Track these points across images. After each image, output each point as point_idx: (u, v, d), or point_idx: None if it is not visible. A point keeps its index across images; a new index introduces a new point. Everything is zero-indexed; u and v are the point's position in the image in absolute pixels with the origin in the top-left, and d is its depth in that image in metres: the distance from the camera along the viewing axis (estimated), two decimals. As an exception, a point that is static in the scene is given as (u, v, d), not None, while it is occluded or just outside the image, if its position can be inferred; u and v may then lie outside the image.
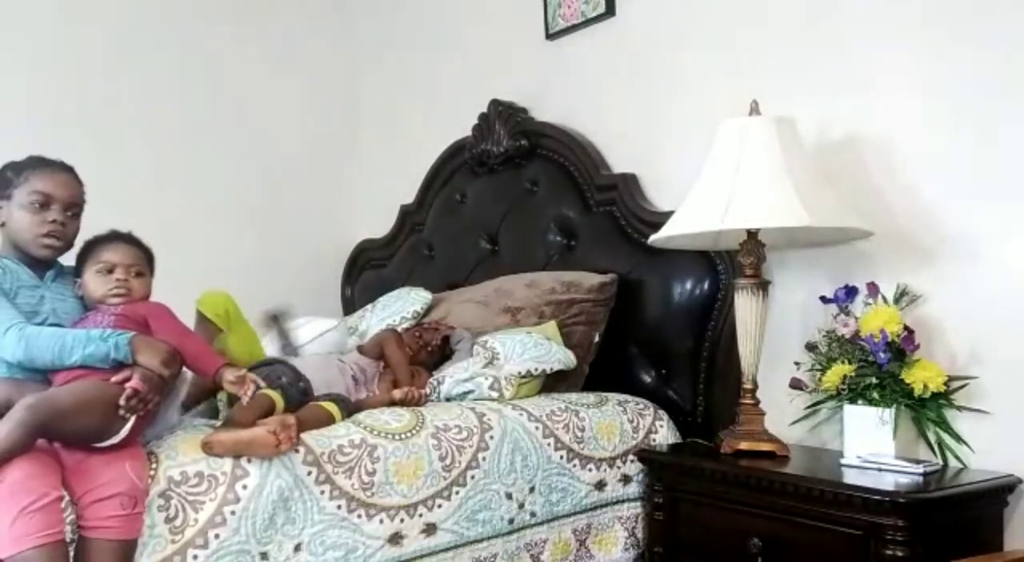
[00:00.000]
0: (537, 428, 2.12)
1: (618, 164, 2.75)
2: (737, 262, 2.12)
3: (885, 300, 2.01)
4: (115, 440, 1.56)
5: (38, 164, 1.81)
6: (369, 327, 2.80)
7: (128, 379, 1.58)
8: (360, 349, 2.39)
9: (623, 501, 2.23)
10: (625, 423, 2.26)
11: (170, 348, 1.67)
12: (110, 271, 1.80)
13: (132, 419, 1.57)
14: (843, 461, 1.93)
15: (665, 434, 2.31)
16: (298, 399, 1.93)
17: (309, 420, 1.84)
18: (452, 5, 3.44)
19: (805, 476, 1.84)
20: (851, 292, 2.06)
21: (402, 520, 1.86)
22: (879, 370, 1.92)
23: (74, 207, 1.83)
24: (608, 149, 2.80)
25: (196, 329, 2.04)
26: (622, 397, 2.35)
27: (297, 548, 1.71)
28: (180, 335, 1.76)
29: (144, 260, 1.86)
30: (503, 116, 3.01)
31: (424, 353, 2.44)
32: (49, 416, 1.48)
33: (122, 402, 1.54)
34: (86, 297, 1.81)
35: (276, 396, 1.85)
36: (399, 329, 2.57)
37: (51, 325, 1.72)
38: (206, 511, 1.61)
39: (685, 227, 2.06)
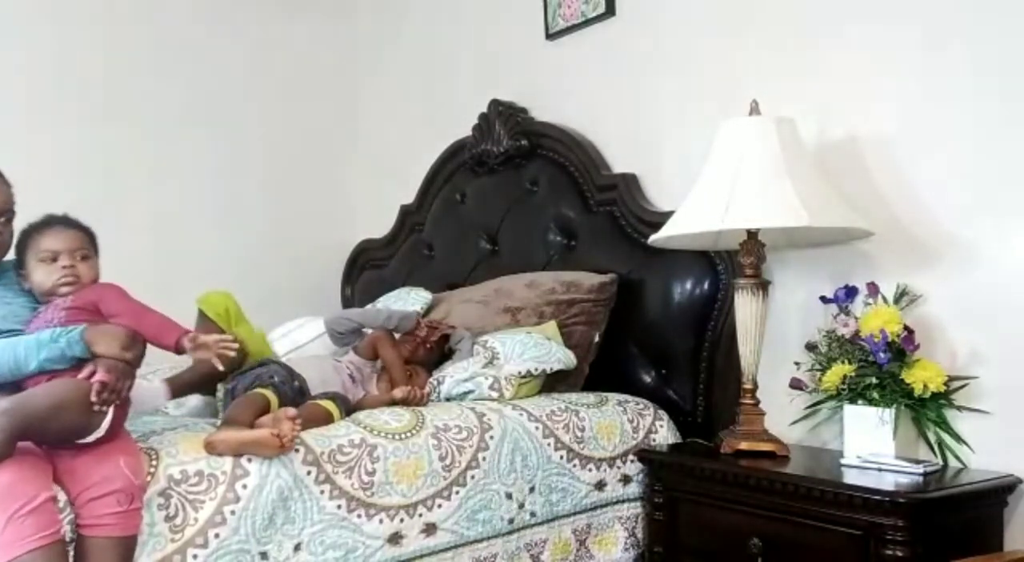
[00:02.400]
0: (537, 428, 2.11)
1: (618, 164, 2.75)
2: (737, 262, 2.12)
3: (885, 300, 2.01)
4: (99, 434, 1.53)
5: None
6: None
7: (93, 373, 1.54)
8: (355, 349, 2.38)
9: (623, 501, 2.23)
10: (625, 423, 2.26)
11: (127, 330, 1.61)
12: (54, 259, 1.72)
13: (110, 411, 1.54)
14: (843, 461, 1.93)
15: (665, 434, 2.31)
16: (292, 397, 1.92)
17: (307, 419, 1.83)
18: (452, 5, 3.44)
19: (805, 476, 1.84)
20: (851, 292, 2.06)
21: (402, 520, 1.85)
22: (879, 370, 1.92)
23: (7, 213, 1.75)
24: (608, 149, 2.80)
25: (198, 328, 2.01)
26: (622, 397, 2.35)
27: (297, 548, 1.71)
28: (135, 313, 1.67)
29: (87, 241, 1.78)
30: (503, 116, 3.01)
31: (422, 350, 2.42)
32: (25, 419, 1.45)
33: (94, 398, 1.50)
34: (34, 289, 1.74)
35: (270, 394, 1.85)
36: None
37: (2, 332, 1.65)
38: (206, 510, 1.61)
39: (685, 227, 2.06)
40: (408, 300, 2.88)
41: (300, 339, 2.62)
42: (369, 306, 3.05)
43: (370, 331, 2.46)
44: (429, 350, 2.44)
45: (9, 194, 1.76)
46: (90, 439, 1.54)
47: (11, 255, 1.79)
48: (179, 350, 1.65)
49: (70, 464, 1.52)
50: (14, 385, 1.59)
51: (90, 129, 3.17)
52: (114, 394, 1.54)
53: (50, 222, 1.77)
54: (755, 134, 2.02)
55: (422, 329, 2.45)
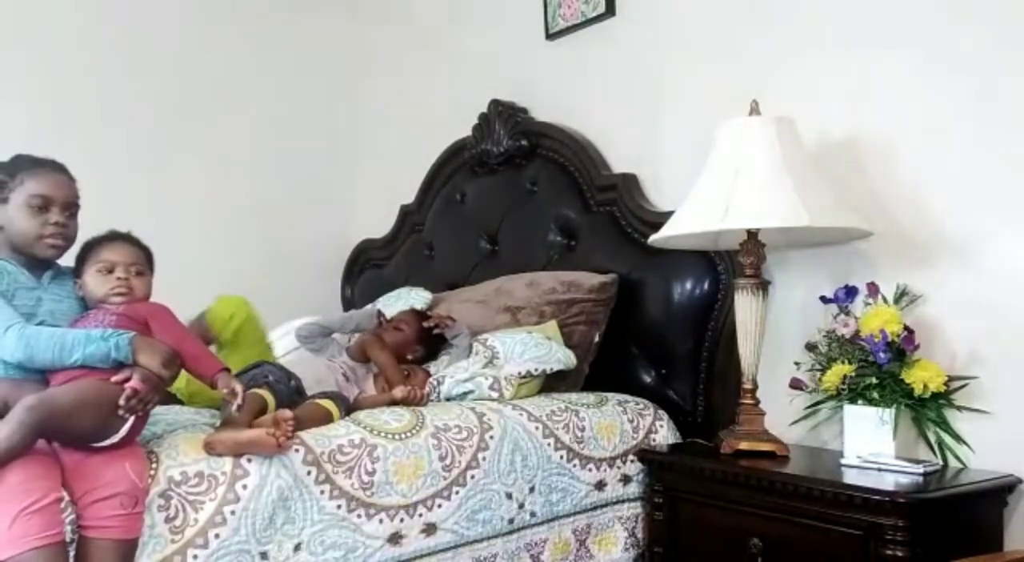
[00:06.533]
0: (537, 428, 2.12)
1: (618, 164, 2.75)
2: (737, 262, 2.12)
3: (885, 300, 2.01)
4: (114, 440, 1.56)
5: (32, 165, 1.79)
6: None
7: (128, 379, 1.57)
8: (347, 351, 2.37)
9: (623, 501, 2.23)
10: (625, 423, 2.26)
11: (170, 350, 1.67)
12: (111, 270, 1.79)
13: (131, 419, 1.57)
14: (843, 461, 1.93)
15: (665, 434, 2.31)
16: (289, 396, 1.93)
17: (307, 418, 1.84)
18: (452, 5, 3.44)
19: (805, 476, 1.84)
20: (851, 292, 2.06)
21: (402, 520, 1.86)
22: (879, 370, 1.92)
23: (72, 207, 1.82)
24: (608, 149, 2.79)
25: (192, 324, 2.07)
26: (622, 397, 2.35)
27: (297, 548, 1.71)
28: (180, 337, 1.75)
29: (144, 259, 1.86)
30: (503, 116, 3.01)
31: (394, 334, 2.39)
32: (49, 416, 1.47)
33: (122, 402, 1.54)
34: (87, 297, 1.80)
35: (267, 395, 1.85)
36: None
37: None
38: (206, 511, 1.61)
39: (685, 227, 2.06)
40: (408, 300, 2.89)
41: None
42: (368, 306, 3.05)
43: (338, 336, 2.46)
44: (402, 332, 2.41)
45: (74, 188, 1.83)
46: (106, 443, 1.55)
47: (69, 261, 1.84)
48: (213, 385, 1.74)
49: (78, 465, 1.53)
50: (42, 381, 1.62)
51: (88, 128, 3.16)
52: (141, 404, 1.57)
53: (113, 237, 1.85)
54: (755, 134, 2.02)
55: (387, 323, 2.45)
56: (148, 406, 1.60)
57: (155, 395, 1.61)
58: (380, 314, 2.53)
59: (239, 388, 1.72)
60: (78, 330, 1.66)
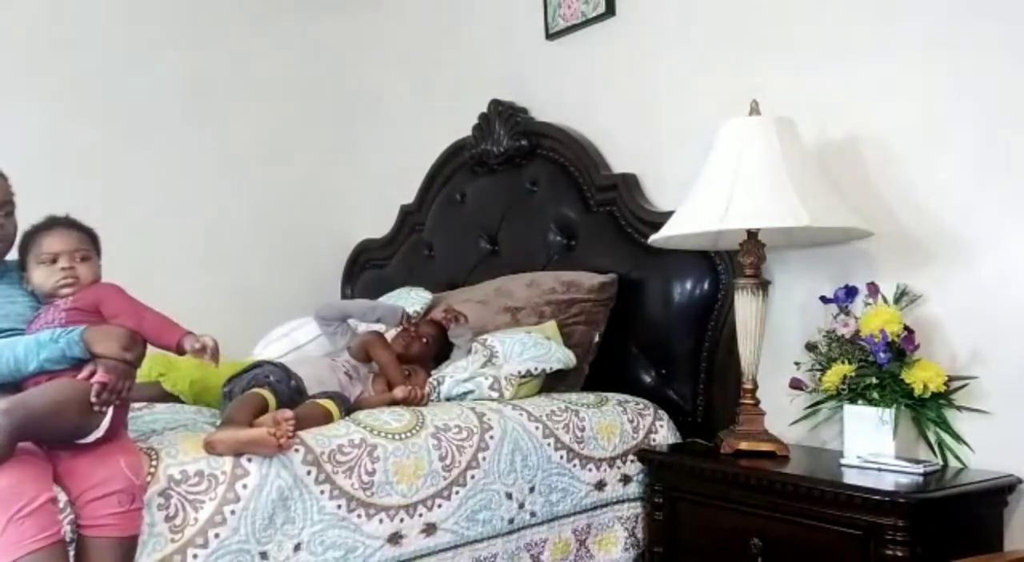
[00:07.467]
0: (537, 428, 2.12)
1: (618, 164, 2.75)
2: (737, 262, 2.12)
3: (885, 300, 2.01)
4: (98, 434, 1.53)
5: None
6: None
7: (94, 373, 1.53)
8: (348, 350, 2.37)
9: (623, 501, 2.22)
10: (625, 423, 2.26)
11: (127, 331, 1.61)
12: (54, 261, 1.72)
13: (110, 411, 1.54)
14: (843, 461, 1.93)
15: (665, 434, 2.31)
16: (289, 396, 1.93)
17: (307, 418, 1.84)
18: (452, 5, 3.44)
19: (805, 476, 1.85)
20: (851, 292, 2.06)
21: (402, 520, 1.86)
22: (879, 370, 1.92)
23: (6, 206, 1.75)
24: (608, 149, 2.79)
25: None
26: (622, 397, 2.35)
27: (297, 547, 1.71)
28: (135, 313, 1.68)
29: (88, 242, 1.78)
30: (503, 116, 3.01)
31: (416, 346, 2.38)
32: (25, 417, 1.44)
33: (93, 398, 1.50)
34: (35, 290, 1.74)
35: (267, 394, 1.85)
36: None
37: (5, 330, 1.65)
38: (206, 510, 1.61)
39: (685, 227, 2.06)
40: (408, 300, 2.88)
41: (300, 339, 2.63)
42: (393, 301, 3.03)
43: (353, 322, 2.45)
44: (425, 345, 2.41)
45: (5, 186, 1.76)
46: (90, 439, 1.53)
47: (15, 254, 1.79)
48: (180, 350, 1.67)
49: (70, 464, 1.52)
50: (13, 385, 1.59)
51: (88, 127, 3.16)
52: (113, 394, 1.54)
53: (51, 224, 1.77)
54: (755, 134, 2.02)
55: (411, 325, 2.42)
56: (122, 394, 1.56)
57: (125, 381, 1.57)
58: (407, 316, 2.49)
59: (208, 340, 1.66)
60: (28, 338, 1.61)
